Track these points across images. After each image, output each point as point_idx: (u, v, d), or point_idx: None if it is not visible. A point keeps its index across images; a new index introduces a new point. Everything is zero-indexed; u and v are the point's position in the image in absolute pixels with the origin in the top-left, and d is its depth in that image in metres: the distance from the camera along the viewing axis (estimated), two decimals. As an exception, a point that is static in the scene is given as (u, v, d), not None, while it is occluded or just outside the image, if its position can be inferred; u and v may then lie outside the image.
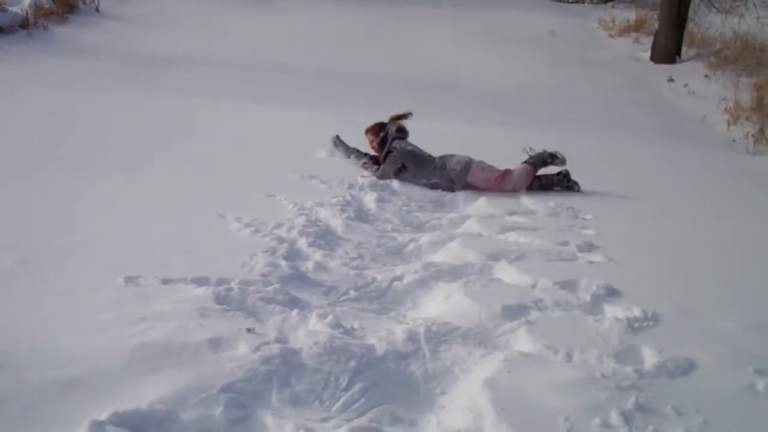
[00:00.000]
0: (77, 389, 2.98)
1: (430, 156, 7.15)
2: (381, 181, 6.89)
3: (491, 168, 7.08)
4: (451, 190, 6.96)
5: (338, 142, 7.63)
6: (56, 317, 3.58)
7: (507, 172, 7.06)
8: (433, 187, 6.98)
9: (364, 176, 7.03)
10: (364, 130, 7.44)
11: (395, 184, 6.86)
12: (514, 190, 7.03)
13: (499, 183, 7.02)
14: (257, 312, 3.91)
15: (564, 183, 7.26)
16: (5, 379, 2.97)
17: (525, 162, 7.21)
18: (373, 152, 7.39)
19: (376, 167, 7.17)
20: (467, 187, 7.00)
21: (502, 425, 3.05)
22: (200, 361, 3.27)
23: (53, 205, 5.30)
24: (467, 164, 7.03)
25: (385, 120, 7.42)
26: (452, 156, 7.11)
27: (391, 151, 7.14)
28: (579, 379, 3.41)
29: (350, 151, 7.51)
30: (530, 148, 7.32)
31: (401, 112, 7.42)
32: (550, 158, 7.27)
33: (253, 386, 3.17)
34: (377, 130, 7.34)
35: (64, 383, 3.00)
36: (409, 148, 7.15)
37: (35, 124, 7.83)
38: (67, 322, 3.54)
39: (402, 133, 7.32)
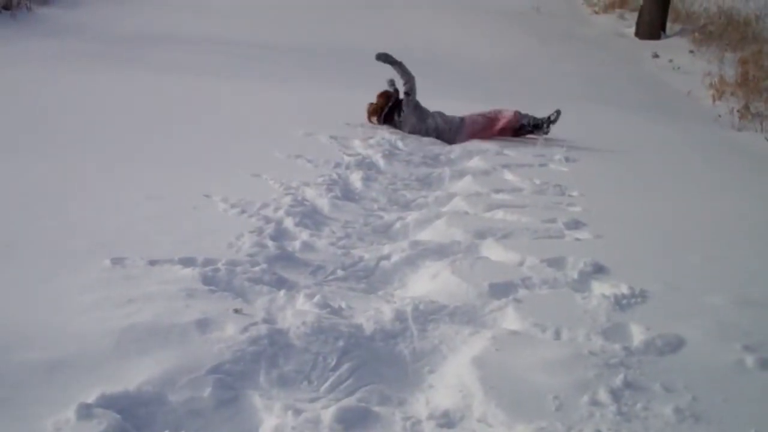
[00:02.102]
0: (64, 371, 2.96)
1: (427, 110, 8.26)
2: (395, 135, 7.89)
3: (481, 117, 8.30)
4: (451, 142, 8.06)
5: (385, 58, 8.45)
6: (42, 299, 3.56)
7: (496, 116, 8.30)
8: (437, 134, 8.12)
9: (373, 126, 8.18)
10: (377, 95, 8.35)
11: (381, 162, 6.86)
12: (505, 128, 8.27)
13: (493, 125, 8.24)
14: (245, 292, 3.89)
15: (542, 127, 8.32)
16: (-9, 362, 2.95)
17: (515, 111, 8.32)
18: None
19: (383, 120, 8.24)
20: (469, 136, 8.16)
21: (490, 403, 3.05)
22: (188, 342, 3.26)
23: (37, 186, 5.25)
24: (459, 125, 8.20)
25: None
26: (443, 115, 8.25)
27: (400, 101, 8.22)
28: (567, 356, 3.41)
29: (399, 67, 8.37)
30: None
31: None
32: (543, 122, 8.32)
33: (241, 367, 3.16)
34: (387, 94, 8.33)
35: (51, 365, 2.98)
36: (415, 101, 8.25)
37: (19, 105, 7.75)
38: (54, 303, 3.51)
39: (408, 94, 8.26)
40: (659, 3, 16.58)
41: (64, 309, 3.45)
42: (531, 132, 8.34)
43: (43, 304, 3.49)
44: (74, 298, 3.57)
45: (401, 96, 8.28)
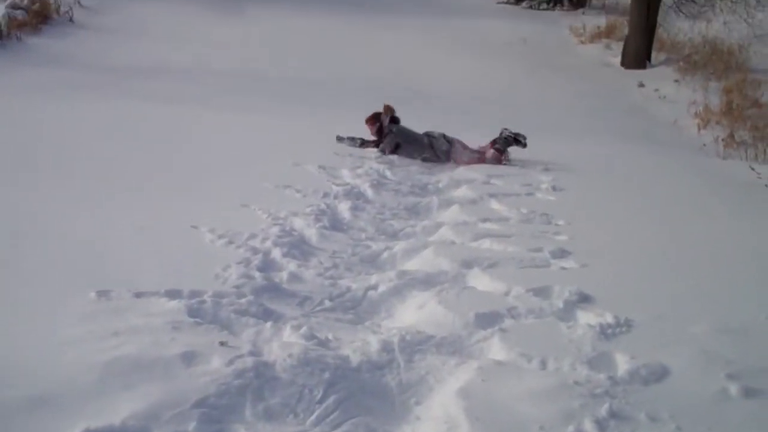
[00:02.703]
0: (48, 406, 2.95)
1: (419, 134, 8.68)
2: (380, 159, 8.28)
3: (469, 149, 8.61)
4: (441, 161, 8.48)
5: (341, 138, 8.80)
6: (27, 332, 3.55)
7: (483, 154, 8.57)
8: (425, 160, 8.48)
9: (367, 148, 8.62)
10: (364, 120, 8.79)
11: (369, 192, 6.88)
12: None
13: (479, 161, 8.49)
14: (231, 324, 3.89)
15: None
16: (-25, 397, 2.94)
17: (494, 148, 8.59)
18: (373, 137, 8.78)
19: (374, 146, 8.64)
20: (455, 160, 8.51)
21: (476, 435, 3.05)
22: (173, 375, 3.25)
23: (23, 217, 5.25)
24: (450, 146, 8.58)
25: (380, 110, 8.86)
26: (435, 137, 8.66)
27: (387, 133, 8.65)
28: (553, 386, 3.43)
29: (355, 141, 8.77)
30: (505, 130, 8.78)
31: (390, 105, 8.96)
32: (515, 141, 8.66)
33: (226, 400, 3.15)
34: (374, 120, 8.79)
35: (35, 400, 2.97)
36: (402, 130, 8.70)
37: (7, 134, 7.75)
38: (38, 337, 3.50)
39: (394, 121, 8.77)
40: (644, 33, 16.71)
41: (50, 342, 3.45)
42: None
43: (27, 338, 3.48)
44: (60, 331, 3.56)
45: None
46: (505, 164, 8.54)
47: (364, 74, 14.27)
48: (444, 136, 8.69)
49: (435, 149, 8.61)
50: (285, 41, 16.30)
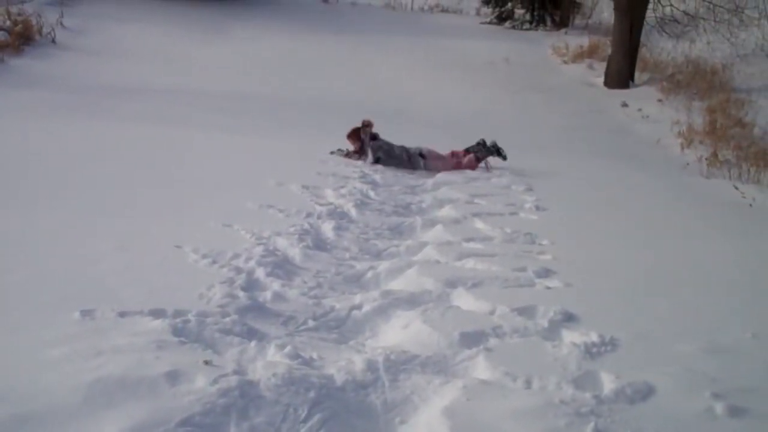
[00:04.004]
0: (32, 426, 2.93)
1: (398, 149, 9.47)
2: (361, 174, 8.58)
3: (443, 157, 9.56)
4: (414, 169, 9.35)
5: (335, 152, 9.55)
6: (10, 353, 3.52)
7: (459, 160, 9.55)
8: (404, 166, 9.37)
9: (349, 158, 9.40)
10: (346, 136, 9.56)
11: (353, 211, 6.88)
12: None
13: (455, 166, 9.44)
14: (215, 344, 3.87)
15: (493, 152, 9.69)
16: (-44, 418, 2.91)
17: (474, 155, 9.61)
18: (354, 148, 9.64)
19: (357, 155, 9.46)
20: (430, 168, 9.40)
21: (462, 454, 3.04)
22: (157, 394, 3.23)
23: (5, 239, 5.22)
24: (422, 154, 9.51)
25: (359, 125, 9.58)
26: (412, 153, 9.51)
27: (369, 147, 9.43)
28: (538, 405, 3.42)
29: (342, 151, 9.56)
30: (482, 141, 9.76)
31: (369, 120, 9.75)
32: (497, 152, 9.65)
33: (211, 419, 3.13)
34: (356, 136, 9.52)
35: (19, 420, 2.94)
36: (383, 146, 9.46)
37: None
38: (21, 357, 3.47)
39: (375, 138, 9.50)
40: (627, 53, 16.85)
41: (33, 362, 3.41)
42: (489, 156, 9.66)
43: (10, 359, 3.45)
44: (43, 351, 3.53)
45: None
46: (481, 169, 9.44)
47: (349, 94, 14.33)
48: (420, 151, 9.46)
49: (413, 163, 9.37)
50: (270, 62, 16.35)
